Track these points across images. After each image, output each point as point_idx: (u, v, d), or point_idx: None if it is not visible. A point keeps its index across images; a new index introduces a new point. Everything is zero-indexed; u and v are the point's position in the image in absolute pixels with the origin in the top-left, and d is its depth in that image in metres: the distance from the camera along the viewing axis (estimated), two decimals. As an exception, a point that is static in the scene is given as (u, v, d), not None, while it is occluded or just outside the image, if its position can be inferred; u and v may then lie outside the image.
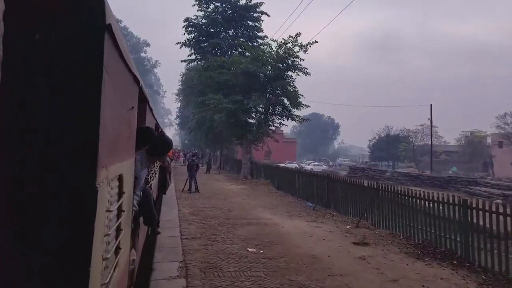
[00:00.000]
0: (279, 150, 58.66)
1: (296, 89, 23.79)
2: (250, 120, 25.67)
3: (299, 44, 23.03)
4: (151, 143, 3.29)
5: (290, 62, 23.71)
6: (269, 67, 24.02)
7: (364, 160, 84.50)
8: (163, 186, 10.21)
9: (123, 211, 1.84)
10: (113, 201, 1.63)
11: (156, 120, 5.71)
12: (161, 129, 6.03)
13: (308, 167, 42.04)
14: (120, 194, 1.78)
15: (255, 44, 30.66)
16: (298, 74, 23.88)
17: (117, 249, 1.78)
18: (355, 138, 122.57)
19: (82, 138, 1.12)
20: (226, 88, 25.18)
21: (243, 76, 24.71)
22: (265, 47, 24.71)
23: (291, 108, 24.69)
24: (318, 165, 56.06)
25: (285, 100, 24.86)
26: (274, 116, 25.25)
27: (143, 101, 3.23)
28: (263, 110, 25.22)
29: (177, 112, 67.12)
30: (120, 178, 1.73)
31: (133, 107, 2.06)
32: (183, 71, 51.92)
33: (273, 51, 23.75)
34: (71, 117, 1.11)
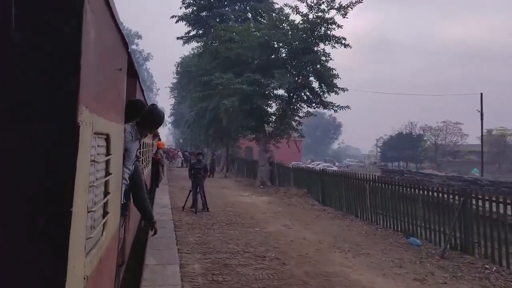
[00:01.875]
0: (284, 148, 52.59)
1: (330, 67, 17.77)
2: (269, 109, 19.66)
3: (337, 6, 17.08)
4: (141, 115, 3.07)
5: (322, 31, 17.72)
6: (290, 36, 17.95)
7: (371, 160, 78.94)
8: (156, 180, 9.48)
9: (111, 174, 1.81)
10: (100, 160, 1.60)
11: (146, 102, 4.73)
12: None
13: (317, 168, 35.89)
14: (108, 155, 1.75)
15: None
16: (334, 46, 17.87)
17: (105, 212, 1.78)
18: (350, 140, 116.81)
19: (62, 65, 1.07)
20: (237, 66, 19.08)
21: (261, 49, 18.68)
22: (290, 10, 18.56)
23: (322, 93, 18.69)
24: (329, 166, 50.13)
25: (314, 82, 18.92)
26: (300, 102, 19.22)
27: (133, 76, 3.23)
28: (286, 95, 19.20)
29: (171, 109, 60.55)
30: (107, 139, 1.71)
31: (121, 69, 2.04)
32: (178, 60, 46.14)
33: (301, 14, 17.72)
34: (51, 46, 1.06)
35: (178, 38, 27.36)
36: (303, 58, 17.88)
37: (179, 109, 54.88)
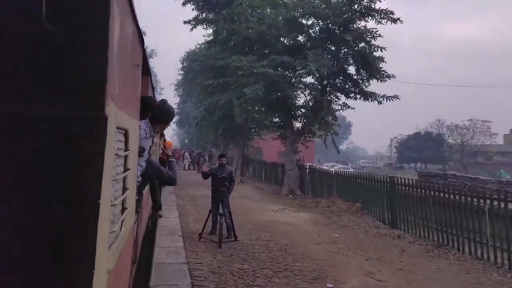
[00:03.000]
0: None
1: (379, 46, 14.23)
2: (296, 100, 16.12)
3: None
4: (152, 111, 3.00)
5: (365, 2, 14.21)
6: (323, 11, 14.47)
7: (387, 161, 75.17)
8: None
9: (129, 169, 1.79)
10: (120, 154, 1.59)
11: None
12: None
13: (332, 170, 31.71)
14: (126, 150, 1.72)
15: None
16: (379, 22, 14.32)
17: (124, 208, 1.76)
18: (355, 140, 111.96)
19: (91, 56, 1.07)
20: (257, 49, 15.63)
21: (287, 27, 15.20)
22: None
23: (361, 80, 15.19)
24: (344, 168, 46.32)
25: (350, 68, 15.41)
26: (335, 92, 15.69)
27: (146, 73, 3.11)
28: (316, 83, 15.66)
29: (176, 108, 57.10)
30: (126, 134, 1.67)
31: (138, 65, 2.03)
32: (184, 56, 42.83)
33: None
34: (81, 37, 1.06)
35: (185, 22, 23.81)
36: (340, 37, 14.44)
37: (184, 108, 51.67)
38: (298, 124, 16.30)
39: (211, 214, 7.49)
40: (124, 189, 1.74)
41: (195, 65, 36.00)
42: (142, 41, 2.13)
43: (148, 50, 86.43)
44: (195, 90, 35.55)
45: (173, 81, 55.54)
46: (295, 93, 14.87)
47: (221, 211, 7.20)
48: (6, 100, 1.03)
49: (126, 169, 1.73)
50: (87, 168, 1.04)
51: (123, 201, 1.72)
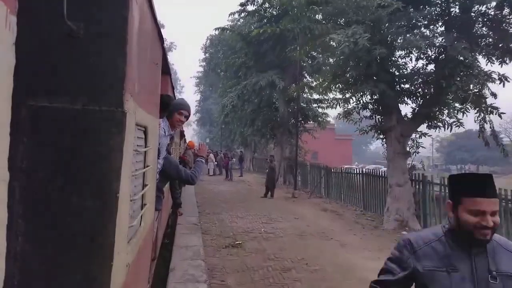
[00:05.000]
0: (329, 149, 42.55)
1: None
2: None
3: None
4: (169, 109, 3.03)
5: None
6: None
7: (429, 163, 67.45)
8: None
9: (148, 166, 1.80)
10: (140, 150, 1.59)
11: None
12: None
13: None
14: (145, 147, 1.74)
15: None
16: None
17: (143, 203, 1.77)
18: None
19: (110, 52, 1.08)
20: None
21: None
22: None
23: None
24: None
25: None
26: (468, 52, 8.88)
27: (165, 72, 3.17)
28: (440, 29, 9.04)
29: (196, 106, 51.28)
30: (145, 131, 1.69)
31: (157, 64, 2.04)
32: (206, 42, 36.98)
33: None
34: (100, 34, 1.07)
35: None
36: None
37: (205, 105, 46.08)
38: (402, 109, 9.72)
39: None
40: (144, 185, 1.75)
41: (220, 48, 29.98)
42: (161, 40, 2.14)
43: (167, 43, 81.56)
44: (218, 80, 29.71)
45: (193, 77, 49.70)
46: (418, 47, 8.08)
47: None
48: (28, 95, 1.01)
49: (145, 166, 1.75)
50: (106, 163, 1.05)
51: (143, 197, 1.73)
